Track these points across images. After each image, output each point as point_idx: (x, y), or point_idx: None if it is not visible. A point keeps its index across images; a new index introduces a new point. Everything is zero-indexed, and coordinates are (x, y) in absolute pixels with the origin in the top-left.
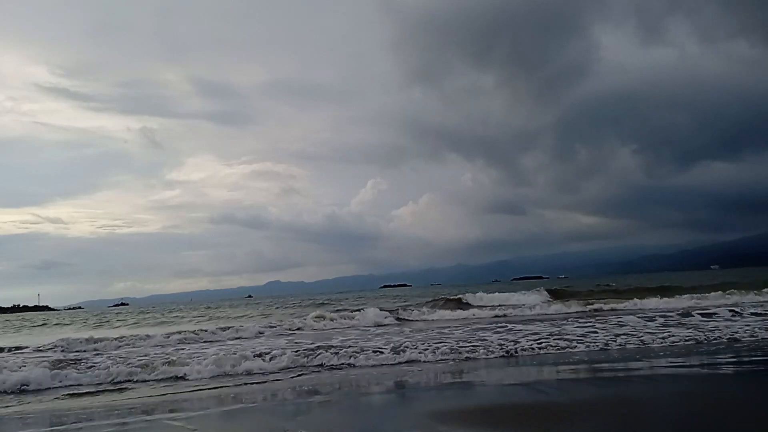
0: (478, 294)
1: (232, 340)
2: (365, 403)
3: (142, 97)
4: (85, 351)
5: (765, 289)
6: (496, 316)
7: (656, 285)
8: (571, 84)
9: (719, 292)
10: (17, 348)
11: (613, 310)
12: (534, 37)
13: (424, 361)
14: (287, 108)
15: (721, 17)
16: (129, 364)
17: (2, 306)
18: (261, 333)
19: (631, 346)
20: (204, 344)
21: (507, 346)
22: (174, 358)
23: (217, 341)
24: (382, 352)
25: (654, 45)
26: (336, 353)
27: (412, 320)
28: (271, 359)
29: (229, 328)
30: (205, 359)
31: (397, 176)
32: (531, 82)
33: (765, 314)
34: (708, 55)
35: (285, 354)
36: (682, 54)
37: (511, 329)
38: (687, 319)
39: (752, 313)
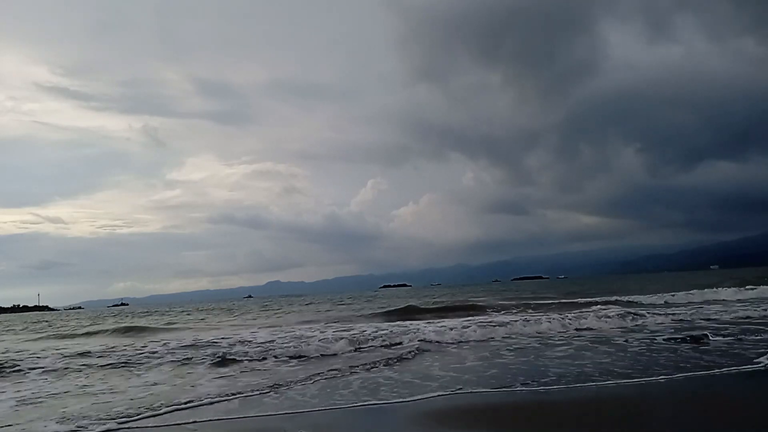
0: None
1: None
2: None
3: (142, 97)
4: None
5: None
6: None
7: None
8: (577, 82)
9: None
10: None
11: None
12: (541, 34)
13: None
14: (288, 107)
15: (730, 14)
16: None
17: (2, 306)
18: None
19: None
20: None
21: None
22: None
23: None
24: None
25: (661, 42)
26: None
27: None
28: None
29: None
30: None
31: (398, 176)
32: (537, 80)
33: None
34: (715, 53)
35: None
36: (689, 51)
37: None
38: None
39: None
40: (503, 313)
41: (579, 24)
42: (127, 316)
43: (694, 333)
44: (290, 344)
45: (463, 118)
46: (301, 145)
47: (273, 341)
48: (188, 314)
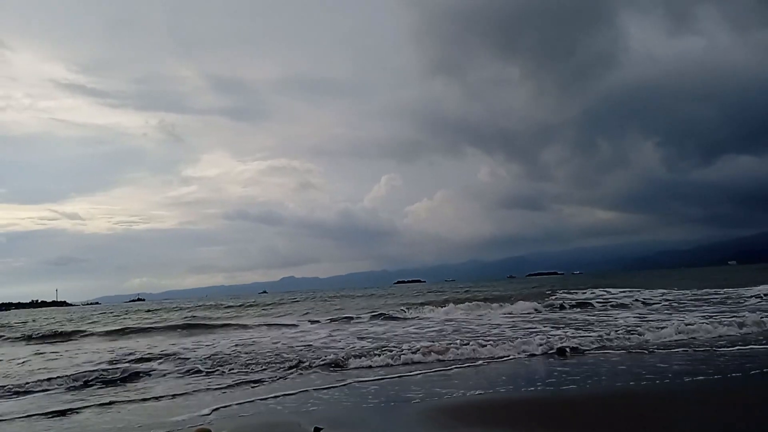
0: None
1: None
2: None
3: (157, 94)
4: None
5: None
6: None
7: None
8: (597, 75)
9: None
10: None
11: None
12: (561, 26)
13: None
14: (302, 103)
15: (752, 5)
16: None
17: (21, 302)
18: None
19: None
20: None
21: None
22: None
23: None
24: None
25: (682, 34)
26: None
27: None
28: None
29: None
30: None
31: (412, 171)
32: (556, 74)
33: None
34: (737, 45)
35: None
36: (711, 44)
37: None
38: None
39: None
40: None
41: (599, 16)
42: (176, 310)
43: None
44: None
45: (479, 112)
46: (315, 141)
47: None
48: (249, 308)
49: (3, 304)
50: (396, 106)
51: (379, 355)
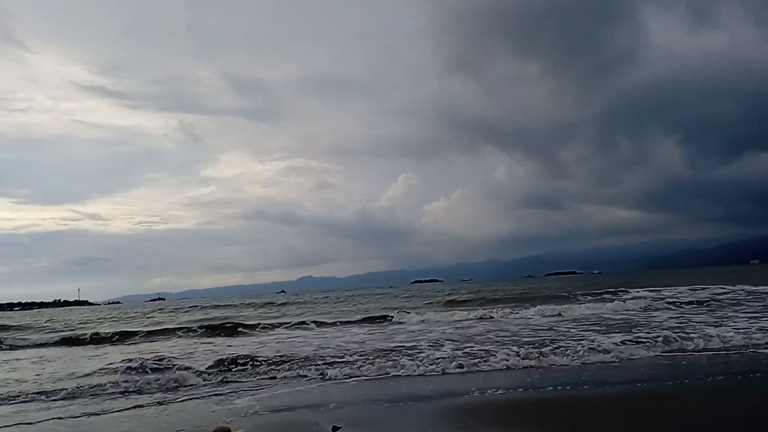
0: None
1: None
2: None
3: (176, 94)
4: None
5: None
6: None
7: None
8: (617, 72)
9: None
10: None
11: None
12: (581, 22)
13: None
14: (319, 103)
15: None
16: None
17: (44, 301)
18: None
19: None
20: None
21: None
22: None
23: None
24: None
25: (704, 29)
26: None
27: None
28: None
29: None
30: None
31: (429, 170)
32: (576, 70)
33: None
34: (761, 40)
35: None
36: (733, 39)
37: None
38: None
39: None
40: None
41: (620, 12)
42: (208, 308)
43: None
44: None
45: (498, 110)
46: (333, 141)
47: None
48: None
49: (26, 303)
50: (413, 104)
51: (407, 359)
